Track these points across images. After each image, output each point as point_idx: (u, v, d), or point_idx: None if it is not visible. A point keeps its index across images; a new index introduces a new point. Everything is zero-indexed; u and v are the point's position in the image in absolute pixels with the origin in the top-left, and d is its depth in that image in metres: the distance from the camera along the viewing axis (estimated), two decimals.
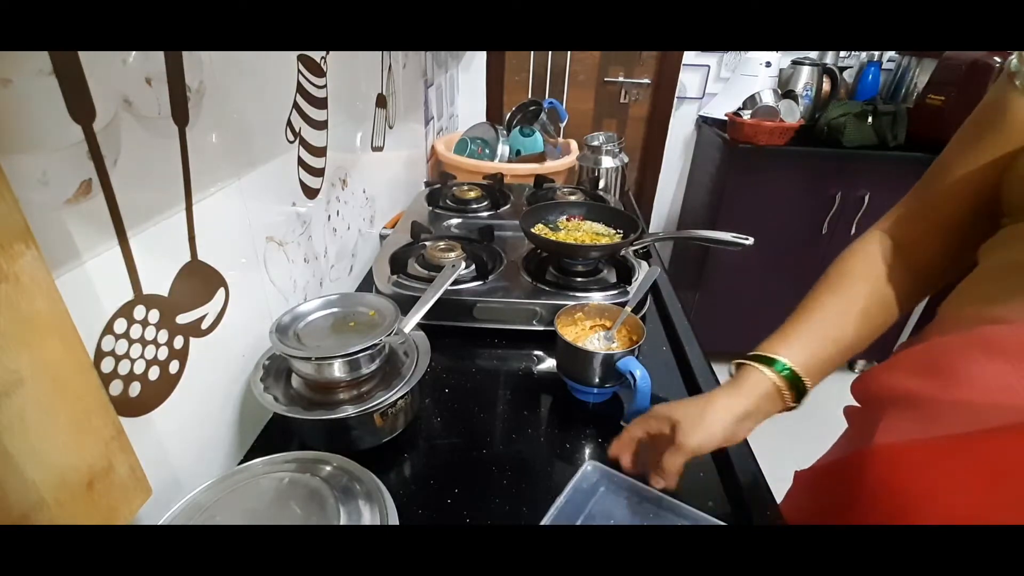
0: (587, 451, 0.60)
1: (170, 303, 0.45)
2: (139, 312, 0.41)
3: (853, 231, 1.85)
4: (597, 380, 0.63)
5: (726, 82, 2.08)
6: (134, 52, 0.39)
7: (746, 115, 1.76)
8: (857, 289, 0.51)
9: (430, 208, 1.11)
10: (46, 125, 0.33)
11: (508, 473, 0.57)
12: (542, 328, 0.78)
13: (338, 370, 0.54)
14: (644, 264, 0.88)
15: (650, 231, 0.93)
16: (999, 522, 0.36)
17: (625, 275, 0.84)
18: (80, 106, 0.35)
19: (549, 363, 0.75)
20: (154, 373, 0.44)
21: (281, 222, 0.65)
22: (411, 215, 1.02)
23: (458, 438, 0.61)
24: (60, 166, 0.34)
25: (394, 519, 0.43)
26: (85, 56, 0.35)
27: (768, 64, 1.94)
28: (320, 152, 0.75)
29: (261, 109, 0.59)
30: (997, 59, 1.53)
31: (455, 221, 1.06)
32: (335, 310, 0.60)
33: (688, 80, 2.11)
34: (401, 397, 0.55)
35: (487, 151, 1.49)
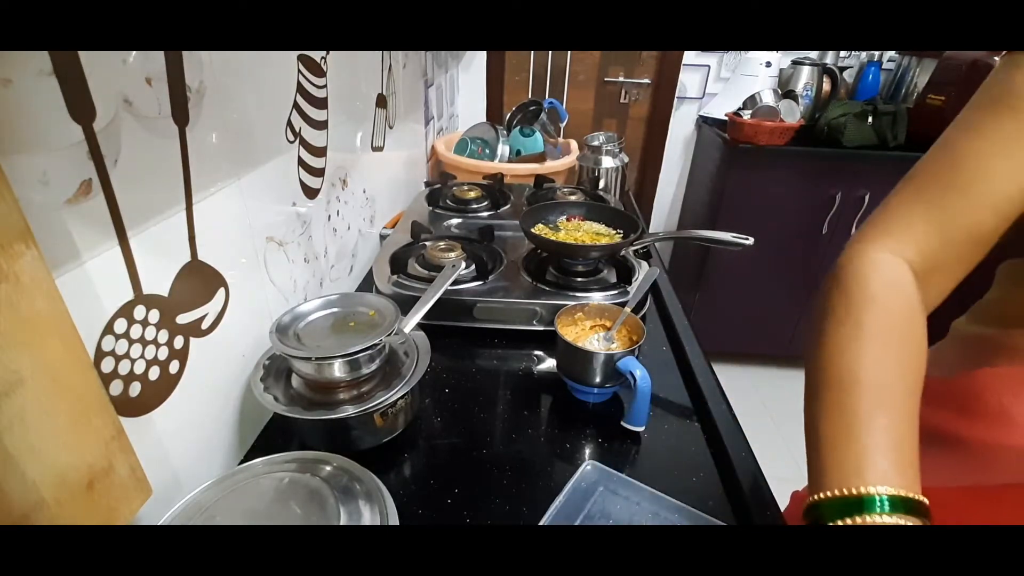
0: (587, 451, 0.60)
1: (170, 303, 0.45)
2: (139, 312, 0.41)
3: (853, 231, 1.84)
4: (597, 380, 0.63)
5: (726, 82, 2.08)
6: (134, 52, 0.39)
7: (746, 115, 1.76)
8: (903, 355, 0.38)
9: (430, 208, 1.11)
10: (46, 125, 0.33)
11: (508, 473, 0.57)
12: (542, 328, 0.78)
13: (338, 370, 0.54)
14: (644, 264, 0.88)
15: (650, 231, 0.93)
16: None
17: (625, 275, 0.84)
18: (80, 106, 0.35)
19: (549, 363, 0.75)
20: (154, 373, 0.44)
21: (281, 222, 0.65)
22: (411, 215, 1.02)
23: (458, 438, 0.61)
24: (60, 166, 0.34)
25: (394, 519, 0.43)
26: (85, 56, 0.35)
27: (768, 64, 1.94)
28: (320, 152, 0.75)
29: (261, 109, 0.59)
30: (997, 59, 1.53)
31: (455, 221, 1.06)
32: (335, 310, 0.60)
33: (688, 80, 2.11)
34: (401, 397, 0.55)
35: (487, 151, 1.49)
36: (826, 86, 1.91)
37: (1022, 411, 0.35)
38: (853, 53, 2.01)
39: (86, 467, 0.33)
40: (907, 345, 0.37)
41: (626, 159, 1.36)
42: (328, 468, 0.47)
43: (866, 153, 1.74)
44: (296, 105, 0.67)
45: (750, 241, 0.78)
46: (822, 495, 0.33)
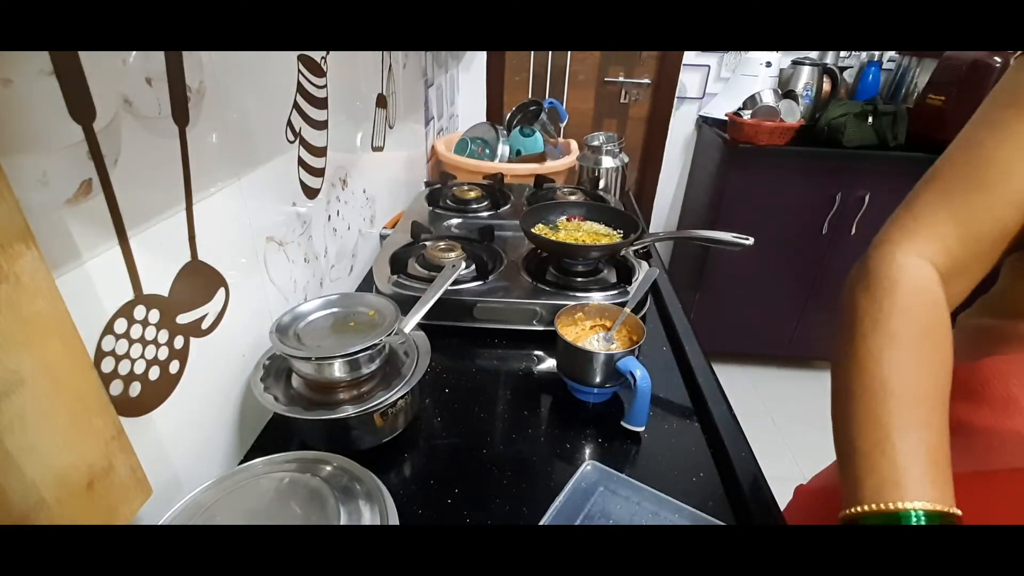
0: (587, 451, 0.60)
1: (170, 303, 0.45)
2: (139, 312, 0.41)
3: (853, 231, 1.85)
4: (597, 380, 0.63)
5: (726, 82, 2.08)
6: (134, 52, 0.39)
7: (746, 115, 1.76)
8: (933, 358, 0.38)
9: (430, 208, 1.11)
10: (46, 125, 0.33)
11: (508, 473, 0.57)
12: (542, 328, 0.78)
13: (338, 370, 0.54)
14: (644, 264, 0.88)
15: (650, 231, 0.93)
16: None
17: (625, 275, 0.84)
18: (80, 106, 0.35)
19: (549, 363, 0.75)
20: (154, 373, 0.44)
21: (281, 222, 0.65)
22: (411, 215, 1.02)
23: (458, 438, 0.61)
24: (60, 166, 0.34)
25: (394, 519, 0.43)
26: (85, 56, 0.35)
27: (768, 64, 1.94)
28: (320, 152, 0.75)
29: (261, 109, 0.59)
30: (997, 59, 1.53)
31: (455, 221, 1.06)
32: (335, 310, 0.60)
33: (688, 80, 2.11)
34: (401, 397, 0.55)
35: (487, 151, 1.49)
36: (826, 86, 1.91)
37: None
38: (853, 53, 2.01)
39: (86, 467, 0.33)
40: (938, 352, 0.38)
41: (626, 159, 1.36)
42: (328, 468, 0.47)
43: (866, 153, 1.74)
44: (296, 105, 0.67)
45: (750, 241, 0.78)
46: (859, 508, 0.34)
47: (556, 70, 2.13)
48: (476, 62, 2.06)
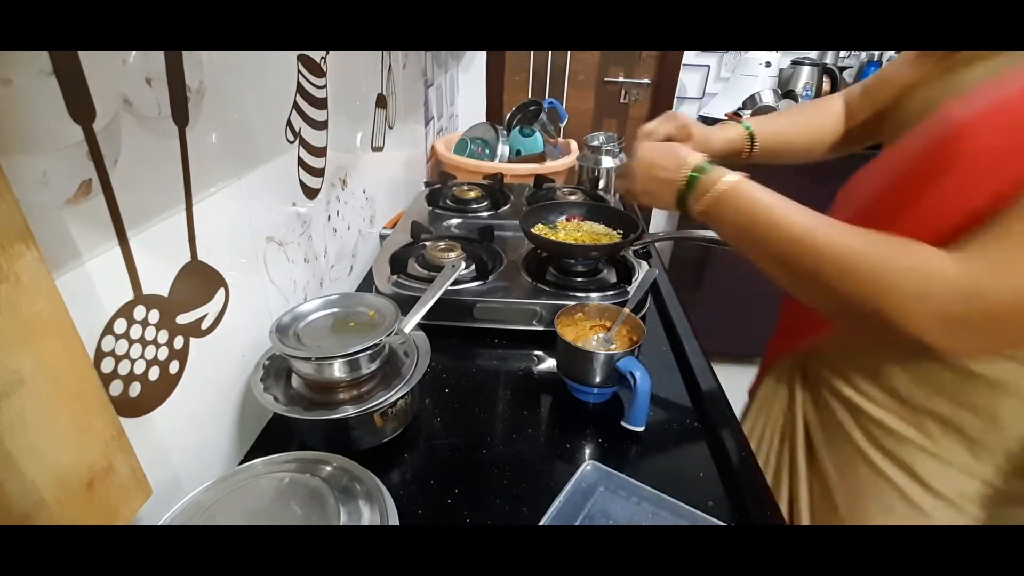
0: (587, 451, 0.60)
1: (170, 303, 0.45)
2: (139, 312, 0.41)
3: None
4: (597, 380, 0.63)
5: (726, 82, 2.08)
6: (134, 52, 0.39)
7: (746, 115, 1.76)
8: (811, 114, 0.79)
9: (430, 208, 1.11)
10: (46, 125, 0.33)
11: (508, 473, 0.57)
12: (542, 328, 0.78)
13: (338, 370, 0.54)
14: (644, 264, 0.88)
15: (650, 231, 0.93)
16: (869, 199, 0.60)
17: (625, 275, 0.84)
18: (80, 106, 0.35)
19: (549, 363, 0.75)
20: (154, 373, 0.44)
21: (281, 222, 0.65)
22: (411, 215, 1.02)
23: (458, 438, 0.61)
24: (60, 166, 0.34)
25: (394, 519, 0.43)
26: (85, 56, 0.35)
27: (768, 64, 1.94)
28: (320, 152, 0.75)
29: (261, 109, 0.59)
30: None
31: (455, 221, 1.06)
32: (335, 310, 0.60)
33: (688, 80, 2.11)
34: (401, 397, 0.55)
35: (487, 151, 1.49)
36: (826, 86, 1.91)
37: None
38: (853, 53, 2.01)
39: (86, 467, 0.33)
40: (808, 108, 0.84)
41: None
42: (328, 468, 0.47)
43: (866, 153, 1.74)
44: (296, 105, 0.67)
45: None
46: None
47: (556, 70, 2.13)
48: (476, 62, 2.06)
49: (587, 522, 0.50)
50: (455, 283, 0.73)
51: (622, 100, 2.19)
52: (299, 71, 0.67)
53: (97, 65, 0.35)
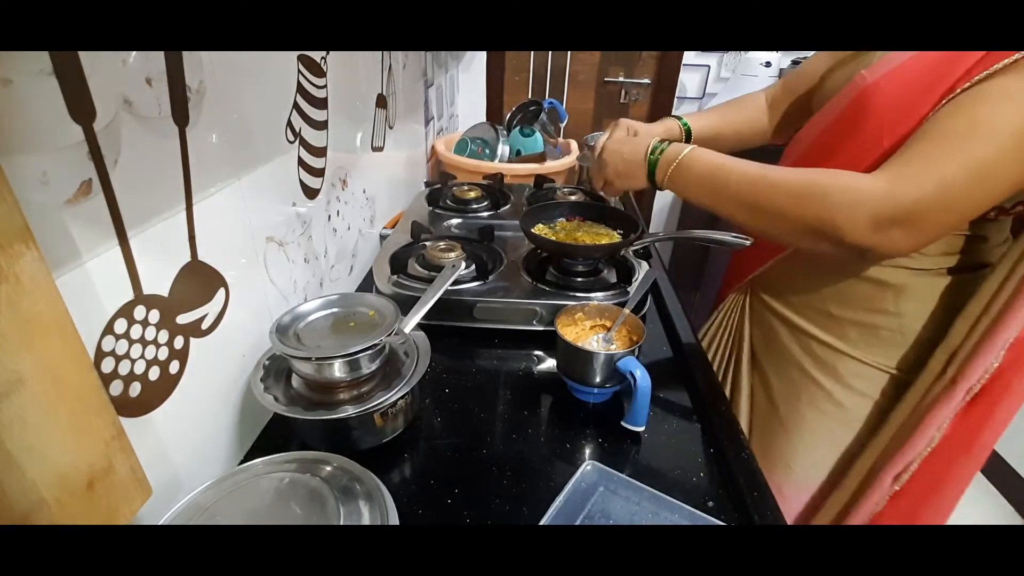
0: (587, 451, 0.60)
1: (170, 303, 0.45)
2: (139, 312, 0.41)
3: None
4: (597, 380, 0.63)
5: (726, 82, 2.08)
6: (134, 52, 0.39)
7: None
8: (736, 108, 0.89)
9: (430, 208, 1.11)
10: (46, 125, 0.33)
11: (508, 473, 0.57)
12: (542, 328, 0.78)
13: (338, 370, 0.54)
14: (644, 264, 0.88)
15: (650, 231, 0.93)
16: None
17: (625, 275, 0.84)
18: (80, 106, 0.35)
19: (549, 363, 0.75)
20: (154, 373, 0.44)
21: (281, 222, 0.65)
22: (411, 215, 1.02)
23: (458, 438, 0.61)
24: (60, 166, 0.34)
25: (394, 519, 0.43)
26: (85, 56, 0.35)
27: (768, 64, 1.94)
28: (320, 152, 0.75)
29: (261, 109, 0.59)
30: None
31: (455, 221, 1.06)
32: (335, 310, 0.60)
33: (688, 80, 2.11)
34: (401, 397, 0.55)
35: (487, 151, 1.49)
36: None
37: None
38: None
39: (86, 467, 0.33)
40: (735, 105, 0.92)
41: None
42: (328, 468, 0.47)
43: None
44: (296, 105, 0.67)
45: (749, 241, 0.78)
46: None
47: (556, 70, 2.13)
48: (476, 62, 2.06)
49: (587, 522, 0.50)
50: (455, 283, 0.73)
51: (622, 100, 2.19)
52: (299, 71, 0.67)
53: (97, 65, 0.35)
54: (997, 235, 0.63)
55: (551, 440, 0.62)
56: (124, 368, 0.40)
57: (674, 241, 2.34)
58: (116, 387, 0.40)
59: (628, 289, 0.80)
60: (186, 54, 0.45)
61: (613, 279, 0.85)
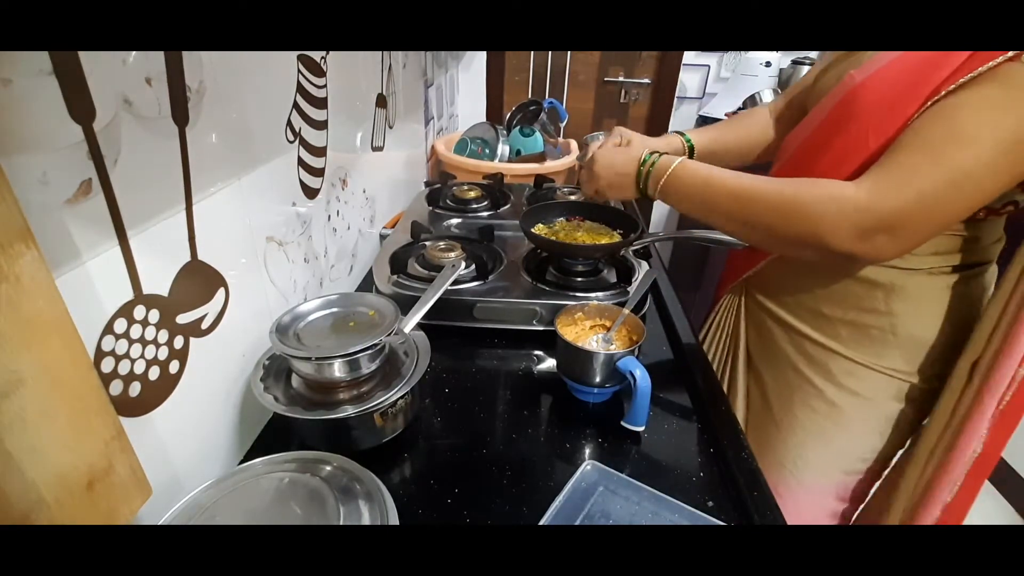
0: (587, 451, 0.60)
1: (170, 303, 0.45)
2: (139, 312, 0.41)
3: None
4: (597, 380, 0.63)
5: (726, 82, 2.08)
6: (134, 52, 0.39)
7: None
8: (741, 124, 0.88)
9: (430, 208, 1.11)
10: (46, 125, 0.33)
11: (508, 473, 0.57)
12: (542, 328, 0.78)
13: (338, 370, 0.54)
14: (644, 264, 0.88)
15: (650, 231, 0.93)
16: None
17: (625, 275, 0.84)
18: (80, 106, 0.35)
19: (549, 363, 0.75)
20: (154, 373, 0.44)
21: (281, 222, 0.65)
22: (411, 215, 1.02)
23: (458, 438, 0.61)
24: (60, 166, 0.34)
25: (394, 519, 0.43)
26: (85, 56, 0.35)
27: (768, 64, 1.94)
28: (320, 152, 0.75)
29: (261, 109, 0.59)
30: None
31: (455, 221, 1.06)
32: (335, 310, 0.60)
33: (688, 80, 2.11)
34: (401, 397, 0.55)
35: (487, 151, 1.49)
36: None
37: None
38: None
39: (86, 467, 0.33)
40: (738, 121, 0.90)
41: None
42: (328, 468, 0.47)
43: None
44: (296, 105, 0.67)
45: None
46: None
47: (556, 70, 2.13)
48: (476, 62, 2.06)
49: (587, 522, 0.50)
50: (455, 283, 0.73)
51: (622, 100, 2.19)
52: (299, 71, 0.67)
53: (97, 65, 0.35)
54: (989, 234, 0.63)
55: (551, 440, 0.62)
56: (124, 368, 0.40)
57: (674, 241, 2.34)
58: (116, 387, 0.40)
59: (628, 289, 0.80)
60: (186, 54, 0.45)
61: (613, 279, 0.85)
